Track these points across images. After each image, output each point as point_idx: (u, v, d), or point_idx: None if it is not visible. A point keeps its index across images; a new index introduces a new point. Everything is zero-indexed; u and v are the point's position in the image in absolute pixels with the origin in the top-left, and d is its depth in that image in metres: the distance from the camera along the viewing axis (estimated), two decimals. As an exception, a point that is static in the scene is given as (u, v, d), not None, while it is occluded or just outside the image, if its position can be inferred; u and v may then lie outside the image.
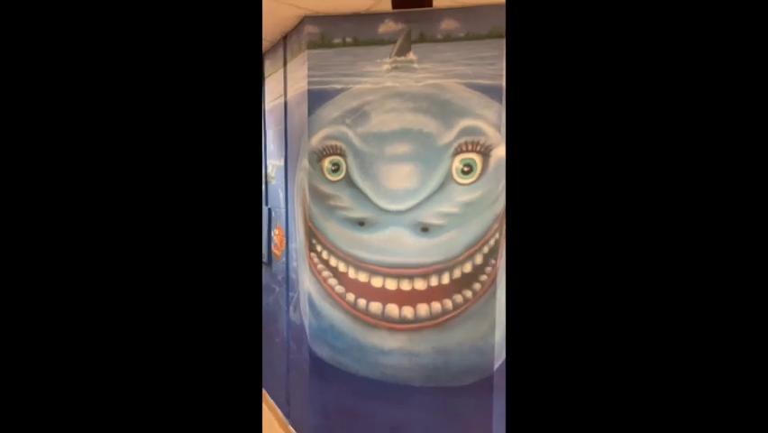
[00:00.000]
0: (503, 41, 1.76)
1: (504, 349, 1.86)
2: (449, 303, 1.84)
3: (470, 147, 1.80)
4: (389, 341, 1.90)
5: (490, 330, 1.83)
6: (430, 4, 1.72)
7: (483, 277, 1.82)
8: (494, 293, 1.82)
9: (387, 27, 1.84)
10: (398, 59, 1.84)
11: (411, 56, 1.83)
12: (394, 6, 1.74)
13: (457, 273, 1.83)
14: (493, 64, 1.77)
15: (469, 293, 1.83)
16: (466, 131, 1.79)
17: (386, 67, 1.85)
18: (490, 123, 1.78)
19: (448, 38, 1.79)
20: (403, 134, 1.84)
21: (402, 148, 1.84)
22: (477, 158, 1.80)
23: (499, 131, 1.78)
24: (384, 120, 1.85)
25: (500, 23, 1.75)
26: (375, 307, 1.90)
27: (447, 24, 1.79)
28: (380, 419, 1.93)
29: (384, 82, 1.85)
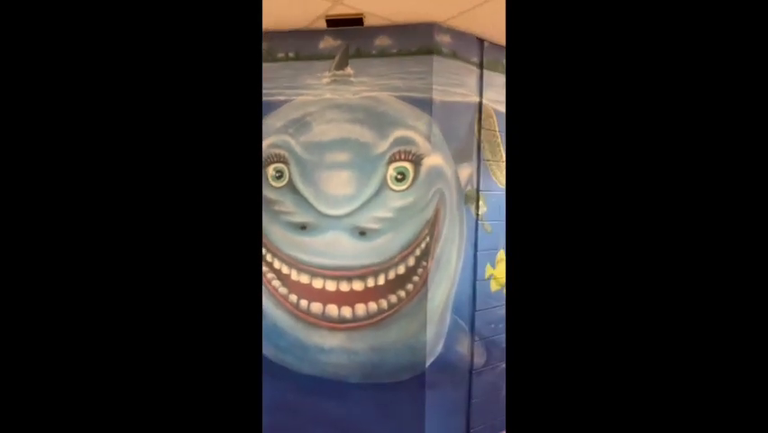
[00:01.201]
0: (432, 58, 1.88)
1: (434, 347, 1.96)
2: (384, 303, 1.94)
3: (402, 156, 1.91)
4: (329, 340, 1.99)
5: (422, 329, 1.93)
6: (361, 23, 1.84)
7: (415, 278, 1.93)
8: (425, 294, 1.93)
9: (326, 43, 1.96)
10: (337, 73, 1.95)
11: (348, 70, 1.94)
12: (328, 25, 1.86)
13: (392, 275, 1.94)
14: (423, 78, 1.90)
15: (402, 293, 1.94)
16: (399, 141, 1.91)
17: (325, 80, 1.96)
18: (421, 133, 1.90)
19: (382, 53, 1.91)
20: (342, 144, 1.95)
21: (341, 156, 1.95)
22: (409, 166, 1.91)
23: (429, 141, 1.90)
24: (324, 130, 1.96)
25: (428, 41, 1.88)
26: (316, 307, 2.00)
27: (381, 41, 1.91)
28: (322, 415, 2.01)
29: (324, 94, 1.96)
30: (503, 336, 2.21)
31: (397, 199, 1.93)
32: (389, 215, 1.93)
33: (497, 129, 2.13)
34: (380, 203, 1.93)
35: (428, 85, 1.88)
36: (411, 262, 1.93)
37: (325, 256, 1.97)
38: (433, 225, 1.93)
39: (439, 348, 1.97)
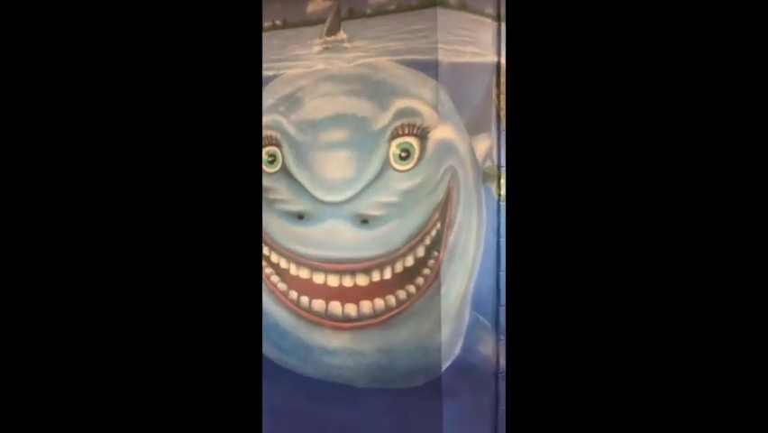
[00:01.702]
0: (435, 11, 1.59)
1: (452, 348, 1.71)
2: (392, 299, 1.72)
3: (406, 130, 1.65)
4: (334, 340, 1.80)
5: (436, 328, 1.69)
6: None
7: (426, 271, 1.68)
8: (438, 288, 1.67)
9: (315, 6, 1.72)
10: (328, 39, 1.71)
11: (341, 35, 1.69)
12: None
13: (399, 267, 1.70)
14: (426, 37, 1.61)
15: (412, 288, 1.70)
16: (402, 113, 1.64)
17: (317, 48, 1.73)
18: (426, 102, 1.62)
19: (378, 12, 1.65)
20: (337, 120, 1.71)
21: (337, 135, 1.72)
22: (414, 142, 1.65)
23: (436, 110, 1.62)
24: (317, 105, 1.74)
25: (431, -10, 1.59)
26: (318, 304, 1.80)
27: (377, -3, 1.65)
28: (328, 422, 1.84)
29: (315, 65, 1.73)
30: (535, 334, 1.93)
31: (402, 181, 1.67)
32: (394, 199, 1.68)
33: (520, 93, 1.81)
34: (383, 186, 1.68)
35: (433, 44, 1.60)
36: (421, 252, 1.68)
37: (325, 248, 1.77)
38: (444, 210, 1.67)
39: (457, 350, 1.72)
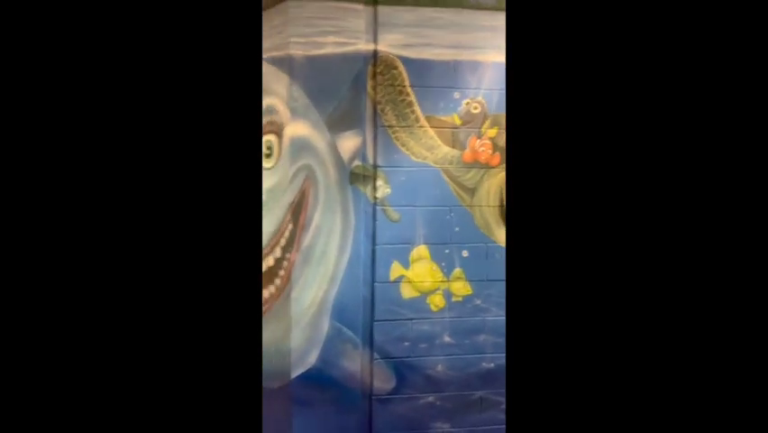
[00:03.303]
0: (287, 5, 1.54)
1: (304, 356, 1.62)
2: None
3: (267, 128, 1.63)
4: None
5: (287, 333, 1.62)
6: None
7: (281, 272, 1.63)
8: (289, 293, 1.61)
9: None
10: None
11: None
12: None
13: (264, 267, 1.69)
14: (281, 32, 1.57)
15: (273, 289, 1.67)
16: (265, 111, 1.63)
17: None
18: (282, 98, 1.58)
19: (250, 12, 1.66)
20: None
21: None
22: (274, 139, 1.62)
23: (289, 107, 1.56)
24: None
25: (282, -17, 1.53)
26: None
27: (249, -3, 1.67)
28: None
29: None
30: (429, 360, 1.67)
31: (265, 179, 1.66)
32: (263, 198, 1.68)
33: (406, 84, 1.60)
34: (255, 184, 1.70)
35: (285, 39, 1.55)
36: (278, 253, 1.64)
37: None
38: (297, 211, 1.59)
39: (312, 359, 1.62)
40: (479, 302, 1.68)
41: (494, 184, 1.67)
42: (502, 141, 1.66)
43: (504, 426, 1.70)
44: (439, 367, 1.68)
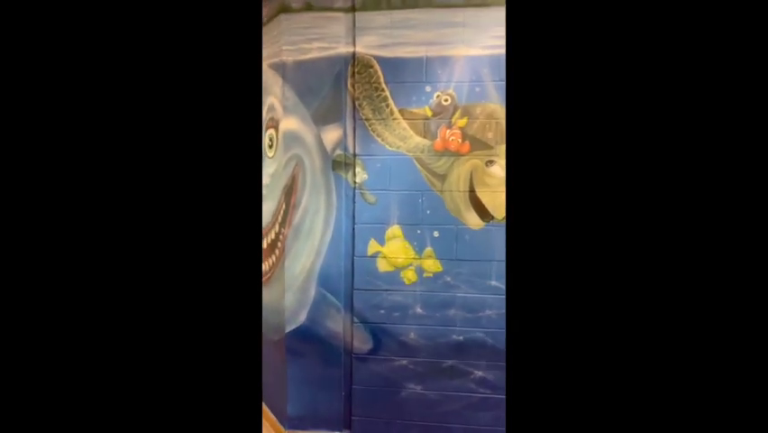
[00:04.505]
0: (280, 18, 1.81)
1: (295, 315, 1.93)
2: (266, 265, 2.06)
3: (270, 123, 1.94)
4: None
5: (282, 296, 1.94)
6: None
7: (279, 245, 1.95)
8: (283, 262, 1.92)
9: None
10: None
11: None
12: None
13: (267, 240, 2.02)
14: (276, 42, 1.85)
15: (273, 258, 2.00)
16: (268, 108, 1.95)
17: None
18: (278, 98, 1.87)
19: (258, 24, 1.97)
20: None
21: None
22: (274, 133, 1.92)
23: (282, 105, 1.85)
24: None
25: (276, 1, 1.80)
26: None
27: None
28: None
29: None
30: (403, 328, 1.88)
31: (269, 166, 1.98)
32: (267, 181, 2.01)
33: (381, 81, 1.78)
34: (263, 170, 2.03)
35: (279, 47, 1.83)
36: (276, 229, 1.96)
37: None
38: (289, 193, 1.89)
39: (301, 318, 1.93)
40: (449, 279, 1.83)
41: (463, 171, 1.79)
42: (471, 130, 1.77)
43: (472, 394, 1.85)
44: (411, 335, 1.87)
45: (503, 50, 1.71)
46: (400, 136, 1.80)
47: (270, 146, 1.95)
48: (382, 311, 1.88)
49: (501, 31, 1.71)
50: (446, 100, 1.76)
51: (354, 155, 1.83)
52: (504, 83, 1.73)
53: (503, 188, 1.77)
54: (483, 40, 1.72)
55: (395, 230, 1.84)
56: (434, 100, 1.77)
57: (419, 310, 1.86)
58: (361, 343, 1.91)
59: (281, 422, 2.00)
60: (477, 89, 1.74)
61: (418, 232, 1.83)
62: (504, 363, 1.84)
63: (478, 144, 1.76)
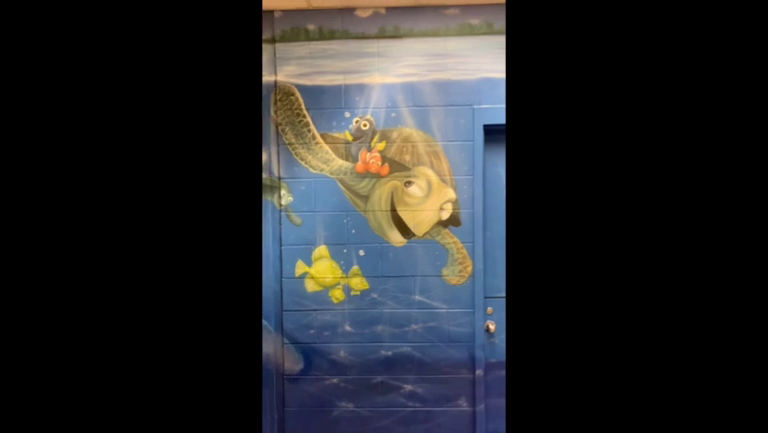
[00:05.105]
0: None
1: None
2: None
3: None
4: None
5: (211, 319, 1.94)
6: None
7: (208, 269, 1.95)
8: (212, 285, 1.92)
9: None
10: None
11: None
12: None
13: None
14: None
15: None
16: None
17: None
18: (203, 125, 1.91)
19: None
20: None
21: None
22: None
23: (206, 132, 1.89)
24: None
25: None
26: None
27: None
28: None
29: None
30: (333, 346, 1.91)
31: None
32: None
33: (302, 107, 1.86)
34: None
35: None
36: (206, 252, 1.97)
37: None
38: (216, 217, 1.91)
39: (232, 342, 1.92)
40: (375, 296, 1.89)
41: (385, 191, 1.87)
42: (390, 153, 1.86)
43: (402, 408, 1.89)
44: (341, 353, 1.91)
45: (416, 78, 1.83)
46: (323, 159, 1.87)
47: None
48: (312, 331, 1.91)
49: (414, 60, 1.83)
50: (365, 125, 1.86)
51: (279, 178, 1.89)
52: (418, 108, 1.84)
53: (422, 207, 1.86)
54: (397, 68, 1.83)
55: (321, 250, 1.89)
56: (353, 125, 1.86)
57: (348, 328, 1.90)
58: (292, 364, 1.93)
59: (214, 450, 1.97)
60: (393, 114, 1.85)
61: (344, 251, 1.89)
62: (432, 377, 1.90)
63: (396, 166, 1.86)
